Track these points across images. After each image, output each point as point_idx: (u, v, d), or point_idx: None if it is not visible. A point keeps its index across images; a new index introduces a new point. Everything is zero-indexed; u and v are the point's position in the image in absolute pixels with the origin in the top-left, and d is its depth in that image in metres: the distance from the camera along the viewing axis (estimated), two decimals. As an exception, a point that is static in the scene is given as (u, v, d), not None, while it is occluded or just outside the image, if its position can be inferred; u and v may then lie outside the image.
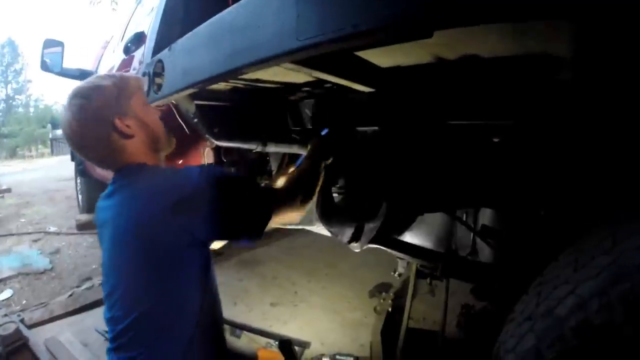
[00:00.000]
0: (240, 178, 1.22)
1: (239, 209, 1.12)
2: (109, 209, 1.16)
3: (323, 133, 1.50)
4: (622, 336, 0.59)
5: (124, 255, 1.13)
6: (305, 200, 1.29)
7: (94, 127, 1.15)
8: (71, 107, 1.16)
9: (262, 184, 1.38)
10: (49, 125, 31.80)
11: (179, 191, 1.06)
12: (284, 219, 1.25)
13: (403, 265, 2.40)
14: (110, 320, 1.15)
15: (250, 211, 1.14)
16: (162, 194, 1.07)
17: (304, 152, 1.52)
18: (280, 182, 1.42)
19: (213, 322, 1.28)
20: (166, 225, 1.05)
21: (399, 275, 2.45)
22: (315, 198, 1.34)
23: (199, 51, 0.91)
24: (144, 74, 1.23)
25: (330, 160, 1.46)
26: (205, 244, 1.17)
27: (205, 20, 0.89)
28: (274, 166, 1.94)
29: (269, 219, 1.16)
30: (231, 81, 1.24)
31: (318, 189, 1.35)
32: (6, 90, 42.93)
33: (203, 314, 1.18)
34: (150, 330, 1.10)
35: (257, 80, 1.23)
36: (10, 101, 43.26)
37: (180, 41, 1.01)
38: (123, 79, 1.23)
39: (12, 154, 30.59)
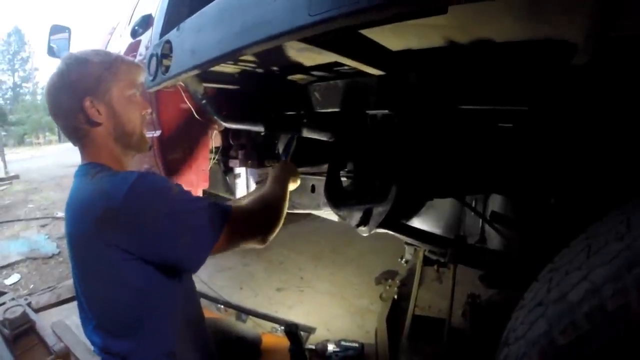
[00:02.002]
0: (178, 191, 1.04)
1: (170, 230, 0.98)
2: (67, 200, 1.09)
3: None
4: (638, 322, 0.58)
5: (73, 261, 1.10)
6: (269, 227, 1.18)
7: (64, 98, 1.09)
8: (57, 69, 1.11)
9: (220, 202, 1.14)
10: (57, 113, 31.85)
11: (105, 205, 0.95)
12: (239, 245, 1.11)
13: (410, 252, 2.39)
14: (83, 324, 1.14)
15: (185, 234, 0.99)
16: (87, 208, 0.99)
17: (312, 135, 1.50)
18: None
19: (191, 324, 1.21)
20: (93, 239, 0.98)
21: (406, 262, 2.45)
22: (277, 229, 1.21)
23: (208, 30, 0.89)
24: (151, 56, 1.22)
25: (296, 185, 1.43)
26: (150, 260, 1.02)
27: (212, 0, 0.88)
28: (281, 150, 1.93)
29: (210, 245, 1.01)
30: (240, 63, 1.23)
31: (283, 216, 1.24)
32: (13, 78, 43.00)
33: (174, 324, 1.12)
34: (118, 333, 1.06)
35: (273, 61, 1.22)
36: (18, 89, 43.33)
37: (188, 20, 1.00)
38: (115, 62, 1.12)
39: (20, 142, 30.84)
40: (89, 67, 1.09)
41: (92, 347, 1.15)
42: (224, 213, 1.05)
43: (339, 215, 1.39)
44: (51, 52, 3.60)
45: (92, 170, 1.07)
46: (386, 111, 1.22)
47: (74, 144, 1.17)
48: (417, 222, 1.56)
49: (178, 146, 1.99)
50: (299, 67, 1.26)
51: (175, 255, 1.01)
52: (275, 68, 1.32)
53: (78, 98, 1.07)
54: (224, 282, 3.08)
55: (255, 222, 1.16)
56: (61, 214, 5.37)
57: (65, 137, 1.18)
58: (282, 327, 2.21)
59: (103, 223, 0.95)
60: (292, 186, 1.40)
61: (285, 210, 1.27)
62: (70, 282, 3.09)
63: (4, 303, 2.29)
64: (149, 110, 1.23)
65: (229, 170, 2.43)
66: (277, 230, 1.21)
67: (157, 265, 1.02)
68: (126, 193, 0.94)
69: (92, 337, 1.10)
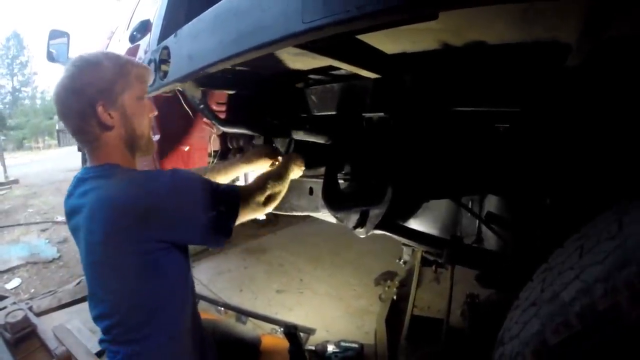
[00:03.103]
0: (204, 181, 1.15)
1: (206, 214, 1.09)
2: (81, 208, 1.09)
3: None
4: (628, 321, 0.58)
5: (98, 261, 1.10)
6: (267, 204, 1.30)
7: (75, 101, 1.08)
8: (67, 71, 1.09)
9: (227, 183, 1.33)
10: (56, 117, 31.85)
11: (144, 203, 1.02)
12: (245, 218, 1.24)
13: (408, 252, 2.40)
14: (97, 318, 1.15)
15: (217, 220, 1.12)
16: (129, 205, 1.02)
17: (309, 139, 1.51)
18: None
19: (192, 313, 1.28)
20: (133, 236, 1.02)
21: (404, 262, 2.46)
22: (276, 203, 1.35)
23: (205, 36, 0.91)
24: (149, 62, 1.23)
25: (300, 171, 1.53)
26: (179, 246, 1.14)
27: (210, 6, 0.89)
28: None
29: (233, 225, 1.16)
30: (237, 67, 1.24)
31: (281, 196, 1.37)
32: (12, 82, 42.72)
33: (184, 305, 1.20)
34: (137, 324, 1.10)
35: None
36: (17, 94, 43.05)
37: (186, 27, 1.01)
38: (127, 66, 1.13)
39: (19, 146, 30.70)
40: (101, 70, 1.09)
41: (93, 351, 1.17)
42: (237, 196, 1.19)
43: (336, 218, 1.40)
44: (50, 56, 3.60)
45: (115, 171, 1.10)
46: (382, 114, 1.23)
47: (83, 146, 1.17)
48: (413, 224, 1.56)
49: (176, 150, 2.00)
50: (296, 72, 1.27)
51: (210, 236, 1.13)
52: (271, 72, 1.33)
53: (90, 102, 1.07)
54: (223, 284, 3.08)
55: (257, 198, 1.26)
56: (61, 218, 5.36)
57: (75, 140, 1.19)
58: (282, 329, 2.21)
59: (144, 219, 1.01)
60: (297, 171, 1.51)
61: (284, 188, 1.39)
62: (70, 286, 3.10)
63: (5, 307, 2.29)
64: (156, 113, 1.25)
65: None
66: (275, 203, 1.34)
67: (183, 253, 1.16)
68: (167, 189, 1.05)
69: (106, 330, 1.14)
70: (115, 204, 1.02)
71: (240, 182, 2.35)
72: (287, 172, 1.43)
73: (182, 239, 1.13)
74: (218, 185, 1.18)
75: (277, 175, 1.37)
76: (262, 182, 1.31)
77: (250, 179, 2.17)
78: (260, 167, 1.65)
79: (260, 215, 1.31)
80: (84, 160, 5.31)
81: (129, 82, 1.12)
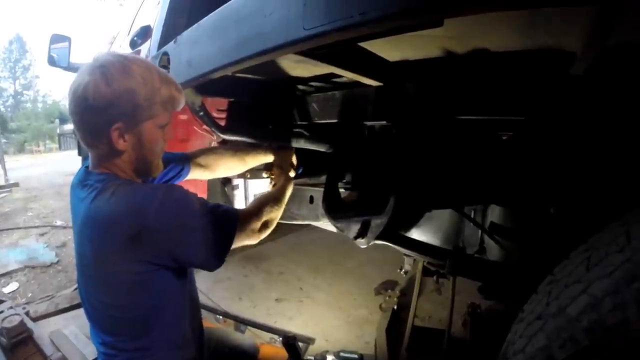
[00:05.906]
0: (200, 204, 1.08)
1: (197, 239, 1.05)
2: (83, 215, 1.03)
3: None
4: (638, 337, 0.57)
5: (89, 273, 1.07)
6: (262, 230, 1.27)
7: (92, 115, 0.98)
8: (93, 73, 0.96)
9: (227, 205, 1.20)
10: (57, 121, 32.13)
11: (132, 226, 0.95)
12: (239, 245, 1.19)
13: (409, 262, 2.39)
14: (93, 323, 1.14)
15: (210, 243, 1.07)
16: (119, 226, 0.96)
17: (310, 147, 1.50)
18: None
19: (193, 323, 1.26)
20: (123, 257, 0.98)
21: (405, 272, 2.44)
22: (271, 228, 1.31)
23: (205, 42, 0.90)
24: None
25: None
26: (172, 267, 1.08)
27: (211, 12, 0.88)
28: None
29: (229, 248, 1.12)
30: (237, 74, 1.23)
31: (276, 222, 1.34)
32: (14, 86, 43.14)
33: (181, 318, 1.18)
34: (135, 334, 1.09)
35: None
36: (19, 97, 43.51)
37: (185, 33, 1.00)
38: (160, 91, 1.02)
39: (21, 149, 30.80)
40: (131, 94, 0.98)
41: (89, 357, 1.16)
42: (234, 222, 1.15)
43: (337, 227, 1.38)
44: (51, 61, 3.60)
45: (111, 184, 1.02)
46: (384, 122, 1.22)
47: (87, 148, 1.09)
48: (415, 234, 1.55)
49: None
50: (296, 79, 1.26)
51: (203, 261, 1.09)
52: (272, 80, 1.32)
53: (107, 121, 0.99)
54: (223, 292, 3.07)
55: (253, 225, 1.23)
56: (60, 222, 5.37)
57: (78, 136, 1.09)
58: (281, 338, 2.20)
59: (134, 240, 0.96)
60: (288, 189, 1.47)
61: (280, 213, 1.36)
62: (68, 291, 3.08)
63: (2, 312, 2.28)
64: (172, 137, 1.19)
65: (227, 182, 2.43)
66: (270, 229, 1.31)
67: (178, 268, 1.10)
68: (157, 211, 0.97)
69: (105, 339, 1.12)
70: (99, 223, 0.99)
71: (241, 189, 2.35)
72: (285, 196, 1.41)
73: (172, 262, 1.04)
74: (216, 208, 1.11)
75: (275, 199, 1.35)
76: (260, 207, 1.28)
77: (251, 184, 2.17)
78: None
79: (254, 242, 1.25)
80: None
81: (156, 110, 1.04)
